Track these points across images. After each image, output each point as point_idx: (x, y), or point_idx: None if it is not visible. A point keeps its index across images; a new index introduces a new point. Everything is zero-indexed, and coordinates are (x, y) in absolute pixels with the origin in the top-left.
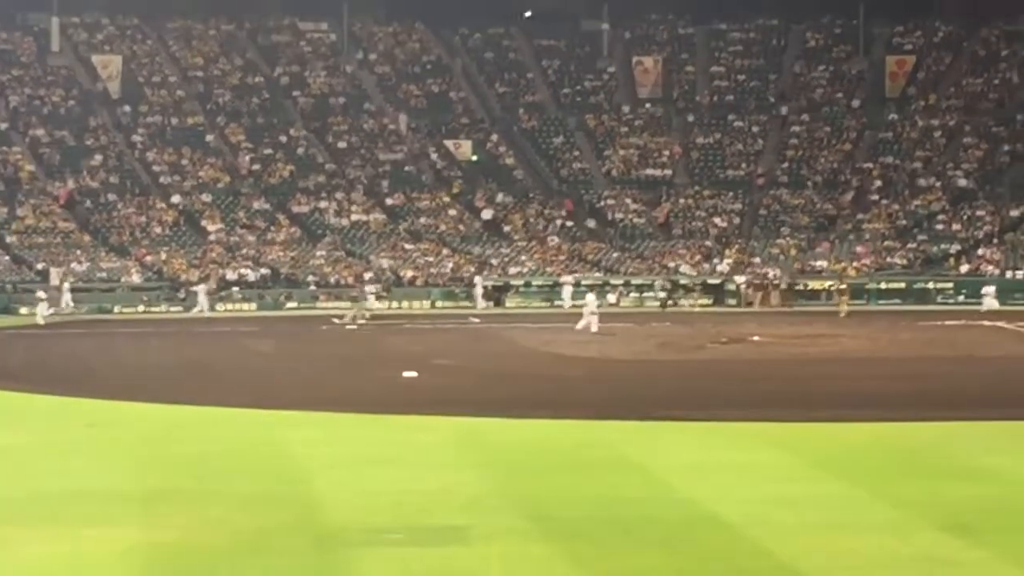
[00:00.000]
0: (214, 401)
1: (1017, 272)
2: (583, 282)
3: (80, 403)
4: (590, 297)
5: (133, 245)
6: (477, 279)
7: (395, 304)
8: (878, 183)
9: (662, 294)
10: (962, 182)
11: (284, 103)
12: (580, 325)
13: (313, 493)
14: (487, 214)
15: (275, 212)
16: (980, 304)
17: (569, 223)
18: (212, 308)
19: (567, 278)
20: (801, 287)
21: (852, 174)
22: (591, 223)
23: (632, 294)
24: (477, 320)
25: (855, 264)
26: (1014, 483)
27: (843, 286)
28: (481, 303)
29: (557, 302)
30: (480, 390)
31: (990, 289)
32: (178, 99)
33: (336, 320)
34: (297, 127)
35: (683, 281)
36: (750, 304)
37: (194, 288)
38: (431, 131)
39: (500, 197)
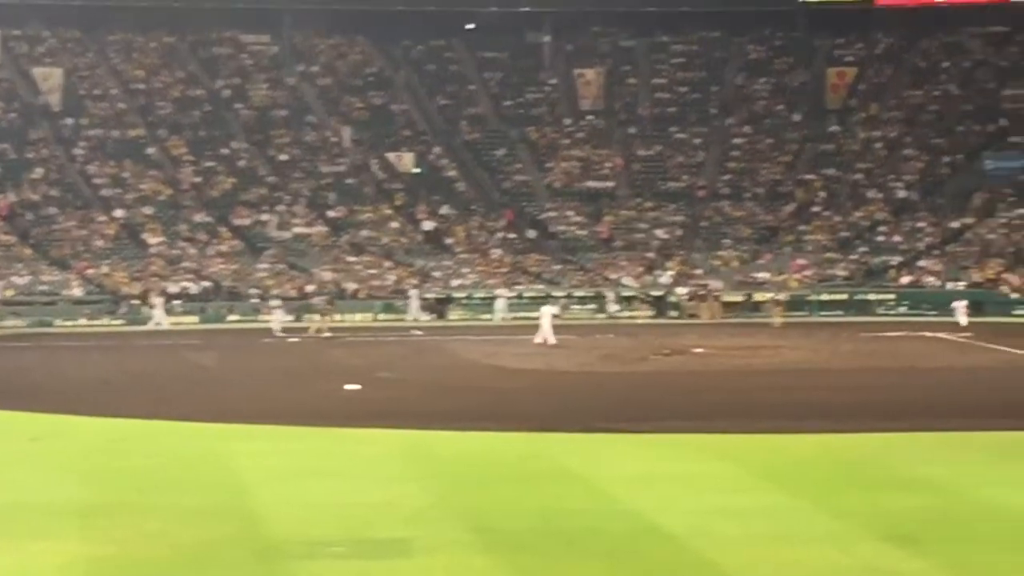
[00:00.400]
0: (156, 414)
1: (958, 284)
2: (525, 294)
3: (23, 417)
4: (546, 309)
5: (74, 258)
6: (412, 292)
7: (338, 317)
8: (820, 195)
9: (615, 307)
10: (903, 194)
11: (226, 116)
12: (538, 338)
13: (255, 506)
14: (429, 226)
15: (217, 225)
16: (954, 317)
17: (512, 235)
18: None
19: (501, 291)
20: (743, 299)
21: (794, 186)
22: (531, 233)
23: (575, 306)
24: (420, 333)
25: (796, 276)
26: (955, 493)
27: (779, 297)
28: (418, 315)
29: (487, 315)
30: (423, 402)
31: (961, 303)
32: (119, 112)
33: (312, 333)
34: (239, 140)
35: (630, 293)
36: (693, 316)
37: (152, 301)
38: (373, 143)
39: (442, 210)
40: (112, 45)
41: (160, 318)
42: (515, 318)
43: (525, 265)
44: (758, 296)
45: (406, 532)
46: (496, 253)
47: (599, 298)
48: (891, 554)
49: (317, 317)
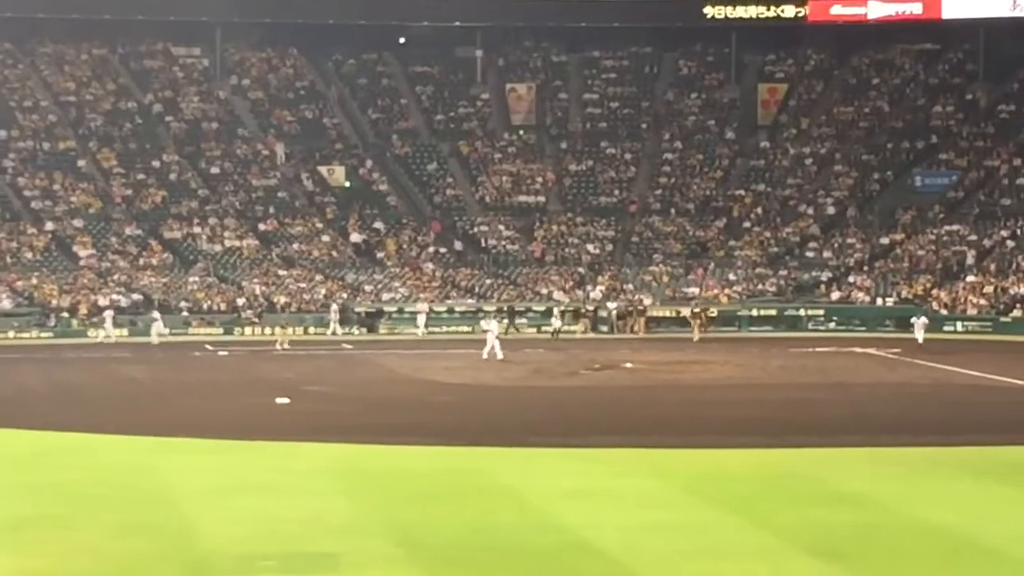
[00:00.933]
0: (85, 427)
1: (887, 300)
2: (456, 308)
3: None
4: (492, 324)
5: (3, 270)
6: (333, 305)
7: (267, 330)
8: (750, 210)
9: (557, 323)
10: (833, 210)
11: (157, 128)
12: (486, 352)
13: (185, 520)
14: (360, 240)
15: (147, 238)
16: (913, 333)
17: (443, 250)
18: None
19: (421, 305)
20: (673, 314)
21: (724, 201)
22: (458, 244)
23: (506, 320)
24: (350, 347)
25: (726, 291)
26: (883, 509)
27: (698, 310)
28: (336, 329)
29: (410, 329)
30: (353, 417)
31: (920, 320)
32: (50, 124)
33: (278, 348)
34: (170, 152)
35: (572, 307)
36: (625, 330)
37: (104, 314)
38: (304, 157)
39: (374, 223)
40: (43, 57)
41: (110, 331)
42: (448, 332)
43: (456, 279)
44: (683, 312)
45: (336, 547)
46: (427, 267)
47: (547, 313)
48: (820, 569)
49: (278, 330)
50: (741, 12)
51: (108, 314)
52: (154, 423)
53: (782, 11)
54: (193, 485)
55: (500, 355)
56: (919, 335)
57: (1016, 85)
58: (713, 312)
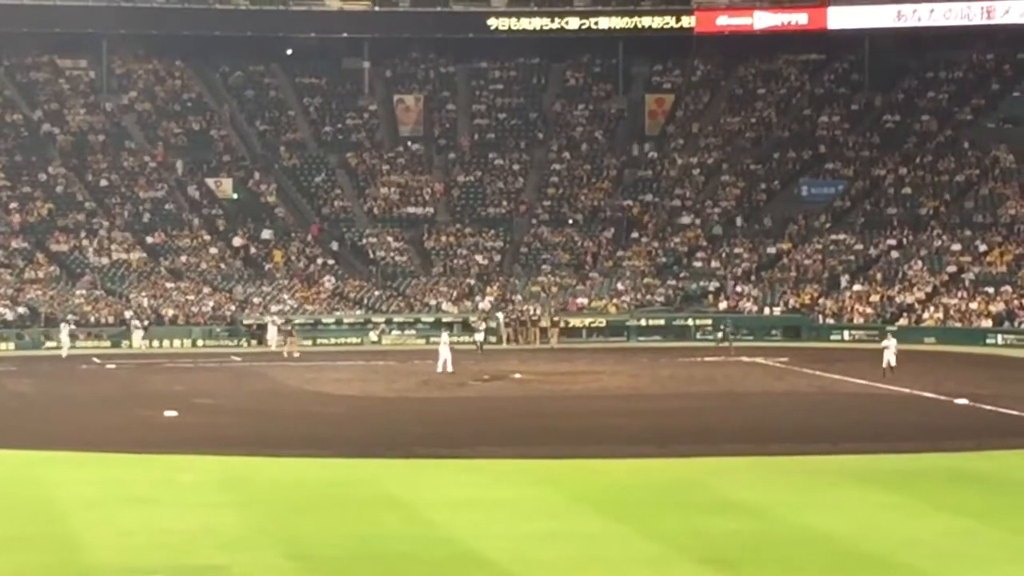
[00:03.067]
0: None
1: (775, 309)
2: (344, 320)
3: None
4: (445, 336)
5: None
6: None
7: (156, 343)
8: (639, 221)
9: (479, 336)
10: (720, 220)
11: (43, 141)
12: (440, 367)
13: (72, 533)
14: (248, 252)
15: (34, 250)
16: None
17: (331, 262)
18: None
19: (273, 318)
20: (563, 324)
21: (612, 211)
22: (335, 245)
23: (394, 332)
24: (239, 359)
25: (614, 301)
26: (771, 517)
27: (556, 319)
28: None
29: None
30: (242, 429)
31: (892, 342)
32: None
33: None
34: (56, 165)
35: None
36: (519, 341)
37: (60, 325)
38: (192, 169)
39: (262, 235)
40: None
41: (65, 343)
42: (336, 344)
43: (345, 291)
44: (576, 322)
45: (224, 559)
46: (318, 279)
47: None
48: None
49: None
50: (625, 23)
51: (63, 327)
52: (40, 436)
53: (668, 22)
54: (80, 498)
55: (451, 368)
56: (891, 358)
57: (901, 95)
58: (569, 321)
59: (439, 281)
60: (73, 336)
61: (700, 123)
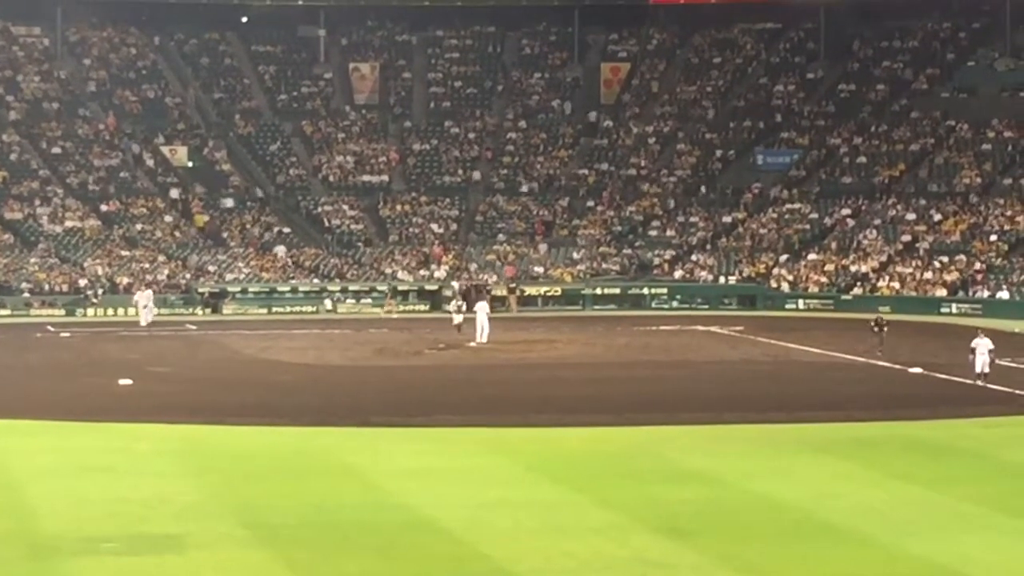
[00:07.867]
0: None
1: (730, 278)
2: (300, 288)
3: None
4: (481, 305)
5: None
6: (138, 294)
7: (110, 311)
8: (594, 189)
9: (459, 318)
10: (676, 189)
11: None
12: (479, 335)
13: (27, 502)
14: (203, 220)
15: None
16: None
17: (287, 230)
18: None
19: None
20: (520, 293)
21: (568, 180)
22: (291, 213)
23: (349, 300)
24: (194, 327)
25: (569, 270)
26: (725, 485)
27: (513, 286)
28: (145, 318)
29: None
30: (197, 397)
31: (984, 343)
32: None
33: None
34: (9, 133)
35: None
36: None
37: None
38: (146, 137)
39: (217, 203)
40: None
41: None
42: (292, 312)
43: (300, 259)
44: (532, 291)
45: (179, 528)
46: (277, 249)
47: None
48: (664, 546)
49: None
50: None
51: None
52: None
53: None
54: (35, 467)
55: (484, 339)
56: (984, 365)
57: (856, 64)
58: (525, 290)
59: (395, 250)
60: (28, 304)
61: (656, 92)
